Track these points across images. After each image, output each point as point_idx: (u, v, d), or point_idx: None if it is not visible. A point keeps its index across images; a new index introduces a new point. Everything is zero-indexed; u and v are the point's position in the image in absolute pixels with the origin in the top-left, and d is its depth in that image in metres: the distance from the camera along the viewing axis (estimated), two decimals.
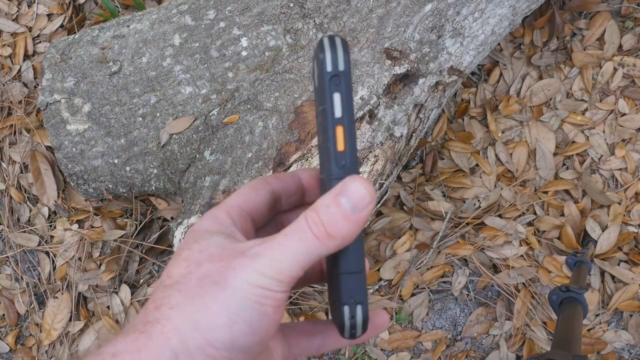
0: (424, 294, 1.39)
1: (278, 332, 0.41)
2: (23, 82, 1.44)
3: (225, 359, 0.33)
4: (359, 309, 0.36)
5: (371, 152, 1.06)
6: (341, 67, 0.34)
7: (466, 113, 1.46)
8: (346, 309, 0.36)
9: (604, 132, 1.42)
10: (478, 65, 1.42)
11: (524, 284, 1.36)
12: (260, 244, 0.34)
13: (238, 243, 0.35)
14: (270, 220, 0.42)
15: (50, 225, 1.39)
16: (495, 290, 1.39)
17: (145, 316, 0.34)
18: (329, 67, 0.34)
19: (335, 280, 0.36)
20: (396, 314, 1.38)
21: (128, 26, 1.16)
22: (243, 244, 0.35)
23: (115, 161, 1.15)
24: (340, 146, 0.34)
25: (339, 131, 0.35)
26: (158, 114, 1.11)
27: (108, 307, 1.36)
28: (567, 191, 1.41)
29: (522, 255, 1.38)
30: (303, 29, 1.08)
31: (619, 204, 1.37)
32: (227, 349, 0.33)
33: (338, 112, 0.34)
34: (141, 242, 1.35)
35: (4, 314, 1.39)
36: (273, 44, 1.09)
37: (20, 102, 1.41)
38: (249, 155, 1.05)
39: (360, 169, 1.06)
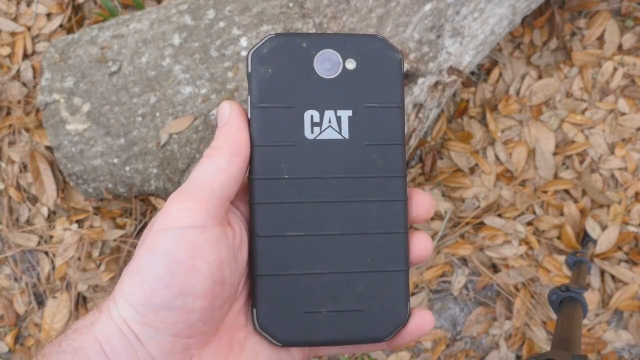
0: (423, 294, 1.39)
1: None
2: (22, 82, 1.44)
3: (158, 322, 0.32)
4: (254, 311, 0.36)
5: None
6: (249, 69, 0.38)
7: (465, 113, 1.46)
8: (254, 311, 0.36)
9: (603, 131, 1.42)
10: (477, 64, 1.42)
11: (523, 283, 1.36)
12: None
13: None
14: None
15: (50, 225, 1.39)
16: (494, 289, 1.39)
17: None
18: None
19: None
20: None
21: (127, 26, 1.15)
22: None
23: (115, 161, 1.14)
24: None
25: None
26: (158, 114, 1.11)
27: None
28: (566, 191, 1.41)
29: (521, 255, 1.38)
30: (302, 28, 1.08)
31: (619, 203, 1.37)
32: (150, 310, 0.32)
33: (249, 113, 0.39)
34: None
35: (3, 314, 1.39)
36: None
37: (19, 101, 1.41)
38: None
39: None
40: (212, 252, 0.32)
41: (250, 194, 0.36)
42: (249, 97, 0.36)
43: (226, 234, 0.34)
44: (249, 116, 0.36)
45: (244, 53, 1.09)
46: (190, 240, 0.32)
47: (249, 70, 0.36)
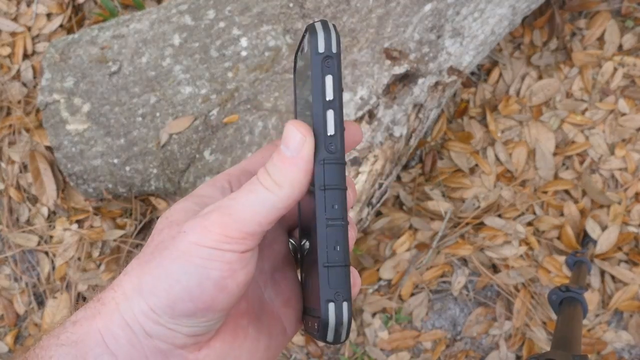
0: (423, 294, 1.39)
1: (293, 297, 0.39)
2: (22, 82, 1.44)
3: (172, 324, 0.32)
4: (345, 306, 0.34)
5: (371, 151, 1.06)
6: (334, 49, 0.33)
7: (465, 113, 1.46)
8: (331, 306, 0.34)
9: (603, 132, 1.42)
10: (477, 65, 1.42)
11: (523, 283, 1.36)
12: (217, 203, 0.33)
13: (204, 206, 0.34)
14: None
15: (50, 225, 1.39)
16: (494, 290, 1.38)
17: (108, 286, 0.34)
18: (321, 49, 0.33)
19: (320, 274, 0.34)
20: (396, 313, 1.38)
21: (127, 26, 1.15)
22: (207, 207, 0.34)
23: (115, 161, 1.14)
24: (331, 130, 0.34)
25: (330, 115, 0.34)
26: (158, 114, 1.11)
27: None
28: (566, 191, 1.41)
29: (521, 255, 1.38)
30: (303, 29, 1.08)
31: (619, 204, 1.37)
32: (169, 315, 0.32)
33: (329, 95, 0.34)
34: (141, 242, 1.35)
35: (3, 314, 1.39)
36: (273, 44, 1.09)
37: (19, 101, 1.41)
38: (249, 155, 1.05)
39: (360, 169, 1.06)
40: (244, 273, 0.33)
41: (339, 178, 0.34)
42: (330, 76, 0.34)
43: (257, 248, 0.34)
44: (332, 97, 0.34)
45: (244, 53, 1.09)
46: (227, 261, 0.32)
47: (335, 50, 0.34)
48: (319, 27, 0.34)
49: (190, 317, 0.32)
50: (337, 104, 0.34)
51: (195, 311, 0.32)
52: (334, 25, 0.34)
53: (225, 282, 0.32)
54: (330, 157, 0.34)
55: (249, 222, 0.32)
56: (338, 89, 0.34)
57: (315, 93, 0.34)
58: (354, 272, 0.37)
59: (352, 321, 0.34)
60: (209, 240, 0.32)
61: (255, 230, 0.32)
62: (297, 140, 0.33)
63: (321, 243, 0.34)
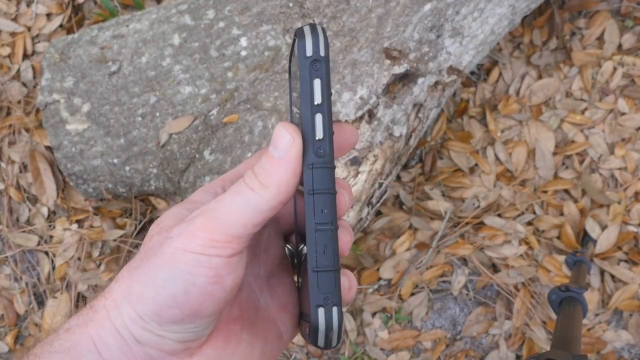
0: (423, 294, 1.39)
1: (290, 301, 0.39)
2: (22, 82, 1.44)
3: (160, 331, 0.32)
4: (334, 311, 0.34)
5: (370, 151, 1.06)
6: (322, 52, 0.33)
7: (465, 112, 1.47)
8: (321, 311, 0.34)
9: (603, 131, 1.42)
10: (477, 64, 1.42)
11: (523, 283, 1.36)
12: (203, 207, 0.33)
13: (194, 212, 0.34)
14: None
15: (50, 225, 1.39)
16: (494, 289, 1.39)
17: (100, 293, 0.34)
18: (309, 52, 0.33)
19: (310, 279, 0.34)
20: (396, 313, 1.38)
21: (127, 26, 1.15)
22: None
23: (115, 161, 1.14)
24: (319, 134, 0.34)
25: (318, 119, 0.34)
26: (157, 114, 1.11)
27: None
28: (566, 191, 1.41)
29: (521, 255, 1.38)
30: None
31: (619, 203, 1.37)
32: (156, 322, 0.32)
33: (318, 99, 0.34)
34: (141, 242, 1.35)
35: (3, 314, 1.39)
36: (272, 43, 1.09)
37: (19, 101, 1.41)
38: (249, 155, 1.05)
39: (360, 169, 1.06)
40: (231, 278, 0.32)
41: (328, 182, 0.34)
42: (318, 80, 0.34)
43: (245, 253, 0.34)
44: (320, 101, 0.34)
45: (244, 53, 1.09)
46: (213, 266, 0.31)
47: (323, 54, 0.33)
48: (307, 30, 0.34)
49: (177, 324, 0.32)
50: (326, 108, 0.34)
51: (182, 317, 0.32)
52: (322, 29, 0.34)
53: (212, 287, 0.32)
54: (319, 161, 0.34)
55: (234, 225, 0.32)
56: (326, 93, 0.34)
57: (303, 97, 0.34)
58: (349, 274, 0.36)
59: (345, 325, 0.33)
60: (195, 245, 0.31)
61: (241, 233, 0.32)
62: (285, 141, 0.33)
63: (310, 248, 0.34)
